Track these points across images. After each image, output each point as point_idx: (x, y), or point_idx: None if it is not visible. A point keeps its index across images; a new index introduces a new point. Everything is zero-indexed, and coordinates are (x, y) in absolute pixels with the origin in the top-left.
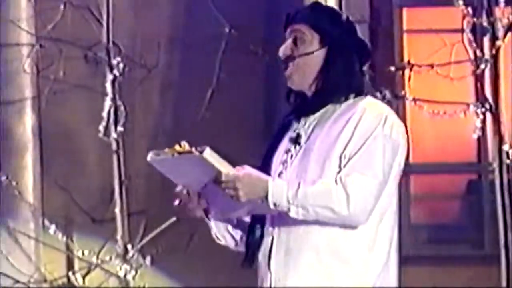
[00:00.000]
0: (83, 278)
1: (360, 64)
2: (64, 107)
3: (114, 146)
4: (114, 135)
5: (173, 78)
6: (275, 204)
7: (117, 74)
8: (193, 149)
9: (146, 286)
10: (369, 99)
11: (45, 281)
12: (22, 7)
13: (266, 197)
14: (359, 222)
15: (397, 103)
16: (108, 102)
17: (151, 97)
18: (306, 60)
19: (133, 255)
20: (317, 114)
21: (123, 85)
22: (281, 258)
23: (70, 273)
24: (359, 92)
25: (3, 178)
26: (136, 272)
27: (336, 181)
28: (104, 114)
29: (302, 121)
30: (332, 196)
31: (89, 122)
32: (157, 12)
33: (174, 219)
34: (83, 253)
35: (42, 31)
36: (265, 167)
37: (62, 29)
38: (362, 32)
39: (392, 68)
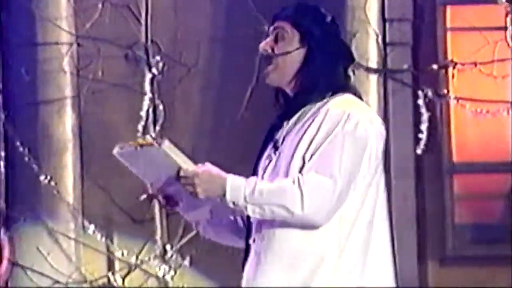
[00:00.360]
0: (123, 278)
1: (343, 67)
2: (104, 106)
3: None
4: (153, 134)
5: (213, 77)
6: (233, 203)
7: (156, 73)
8: (154, 142)
9: (185, 286)
10: (340, 97)
11: (85, 281)
12: (61, 5)
13: (224, 195)
14: (316, 222)
15: (440, 102)
16: (146, 101)
17: (191, 96)
18: (284, 58)
19: (172, 256)
20: (295, 117)
21: (162, 84)
22: (253, 263)
23: (110, 274)
24: (346, 91)
25: (43, 177)
26: (175, 272)
27: (293, 180)
28: (143, 114)
29: (284, 124)
30: (287, 195)
31: (129, 121)
32: (197, 11)
33: None
34: (122, 254)
35: (81, 30)
36: (254, 175)
37: (101, 28)
38: (405, 30)
39: (435, 67)
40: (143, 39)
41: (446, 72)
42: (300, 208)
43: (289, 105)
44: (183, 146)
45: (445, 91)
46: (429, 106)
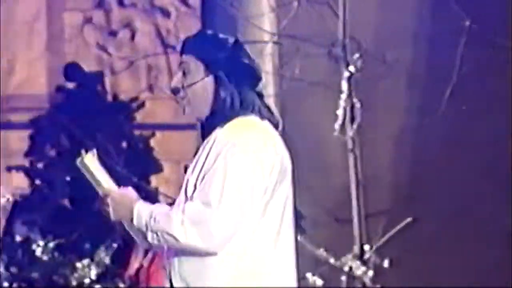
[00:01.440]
0: (321, 277)
1: (250, 87)
2: (303, 104)
3: (349, 145)
4: (350, 133)
5: (415, 74)
6: (138, 229)
7: (354, 71)
8: (82, 153)
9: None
10: (234, 121)
11: None
12: (261, 5)
13: (132, 220)
14: (203, 249)
15: None
16: (343, 100)
17: (391, 94)
18: (194, 90)
19: (370, 256)
20: (205, 142)
21: (361, 82)
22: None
23: (309, 274)
24: (248, 113)
25: None
26: (375, 273)
27: (180, 208)
28: (339, 112)
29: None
30: (172, 223)
31: (329, 120)
32: (399, 7)
33: (409, 219)
34: (322, 253)
35: (278, 28)
36: None
37: (298, 26)
38: None
39: None
40: (341, 36)
41: None
42: (184, 236)
43: (202, 131)
44: (385, 145)
45: None
46: None
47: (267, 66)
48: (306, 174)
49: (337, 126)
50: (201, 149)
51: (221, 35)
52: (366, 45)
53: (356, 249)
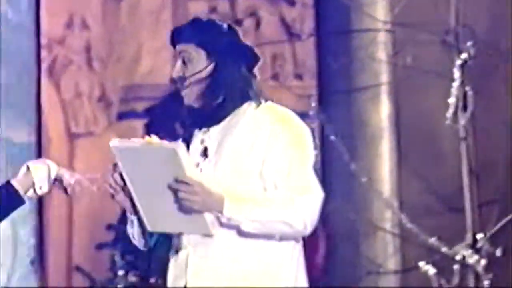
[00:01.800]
0: (434, 266)
1: (249, 68)
2: (418, 93)
3: (462, 133)
4: (462, 121)
5: None
6: (228, 218)
7: (466, 58)
8: (165, 142)
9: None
10: (269, 106)
11: (395, 272)
12: None
13: (220, 210)
14: (305, 233)
15: None
16: (455, 88)
17: (507, 81)
18: (196, 77)
19: (483, 245)
20: (220, 125)
21: (475, 71)
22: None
23: (422, 263)
24: (252, 95)
25: (353, 166)
26: (488, 262)
27: (286, 197)
28: (452, 100)
29: (204, 133)
30: (289, 213)
31: (442, 108)
32: None
33: None
34: (434, 242)
35: (390, 15)
36: None
37: (410, 13)
38: None
39: None
40: (454, 24)
41: None
42: (303, 226)
43: (207, 115)
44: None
45: None
46: None
47: (380, 54)
48: (418, 162)
49: (449, 114)
50: (224, 133)
51: (216, 20)
52: (479, 32)
53: (468, 238)
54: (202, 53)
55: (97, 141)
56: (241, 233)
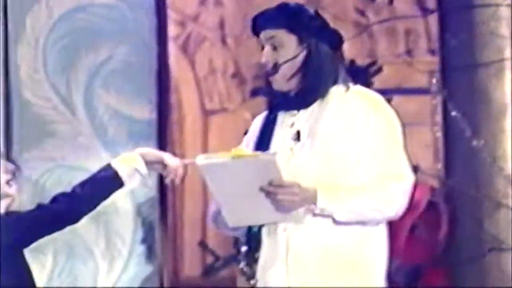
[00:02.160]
0: None
1: (336, 51)
2: None
3: None
4: None
5: None
6: (322, 209)
7: None
8: (258, 153)
9: None
10: (359, 90)
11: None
12: None
13: (314, 202)
14: (395, 219)
15: None
16: None
17: None
18: (289, 63)
19: None
20: (310, 109)
21: None
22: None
23: None
24: (340, 79)
25: (475, 142)
26: None
27: (379, 184)
28: None
29: (294, 117)
30: (382, 200)
31: None
32: None
33: None
34: None
35: None
36: None
37: None
38: None
39: None
40: None
41: None
42: (395, 212)
43: (298, 99)
44: None
45: None
46: None
47: (503, 29)
48: None
49: None
50: (315, 117)
51: (303, 5)
52: None
53: None
54: (293, 38)
55: (231, 117)
56: (335, 222)
